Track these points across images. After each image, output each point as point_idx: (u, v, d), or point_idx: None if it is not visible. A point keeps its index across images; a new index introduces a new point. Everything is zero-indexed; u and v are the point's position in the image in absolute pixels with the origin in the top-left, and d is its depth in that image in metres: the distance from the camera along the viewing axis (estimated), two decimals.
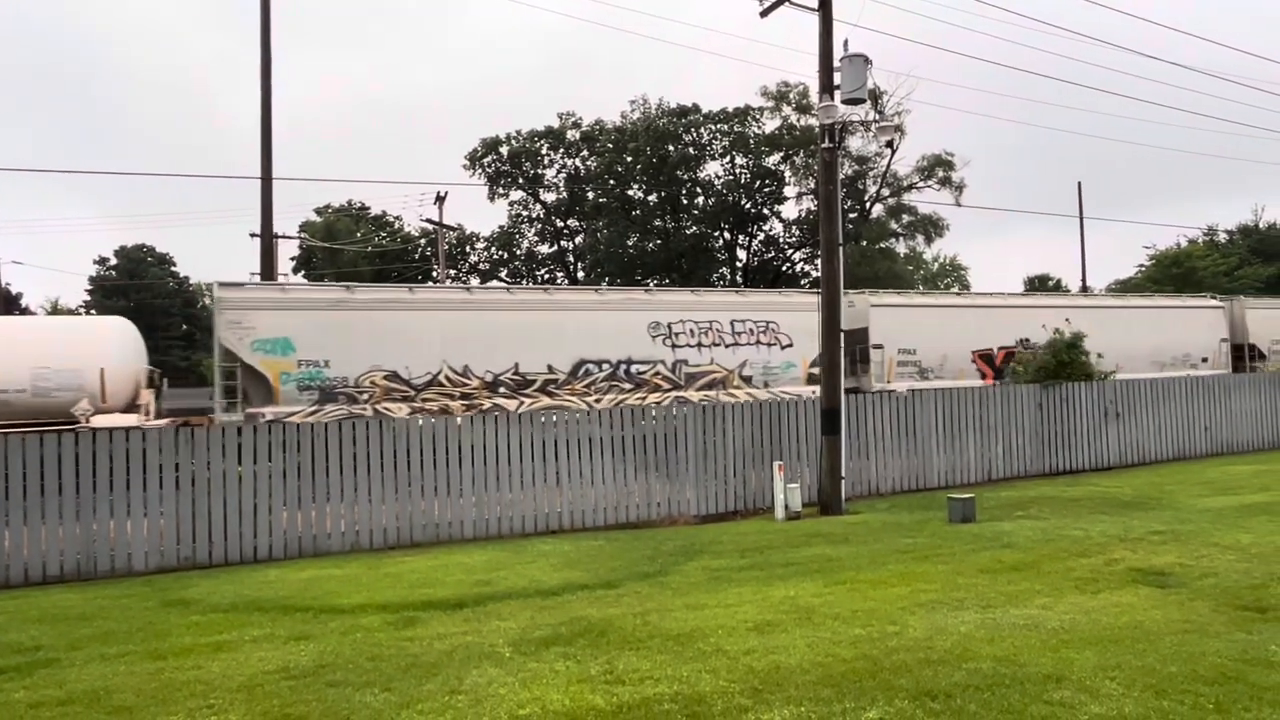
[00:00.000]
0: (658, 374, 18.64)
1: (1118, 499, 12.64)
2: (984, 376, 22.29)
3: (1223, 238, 54.76)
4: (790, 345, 20.12)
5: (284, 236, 31.23)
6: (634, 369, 18.43)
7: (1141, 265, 50.76)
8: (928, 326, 21.97)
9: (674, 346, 18.89)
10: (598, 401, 17.66)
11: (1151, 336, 24.59)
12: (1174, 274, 43.82)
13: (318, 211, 48.11)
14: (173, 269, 59.04)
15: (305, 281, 40.76)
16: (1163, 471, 16.15)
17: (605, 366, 18.22)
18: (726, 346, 19.41)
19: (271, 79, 21.17)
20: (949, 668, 5.16)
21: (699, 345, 19.14)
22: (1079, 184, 44.61)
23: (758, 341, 19.76)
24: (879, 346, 21.14)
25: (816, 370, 18.62)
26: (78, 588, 9.57)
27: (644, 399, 18.05)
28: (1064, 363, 18.06)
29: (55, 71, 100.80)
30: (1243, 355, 27.11)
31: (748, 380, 19.50)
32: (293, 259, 46.56)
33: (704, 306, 19.66)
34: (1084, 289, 43.08)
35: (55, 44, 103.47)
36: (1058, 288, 53.12)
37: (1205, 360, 25.96)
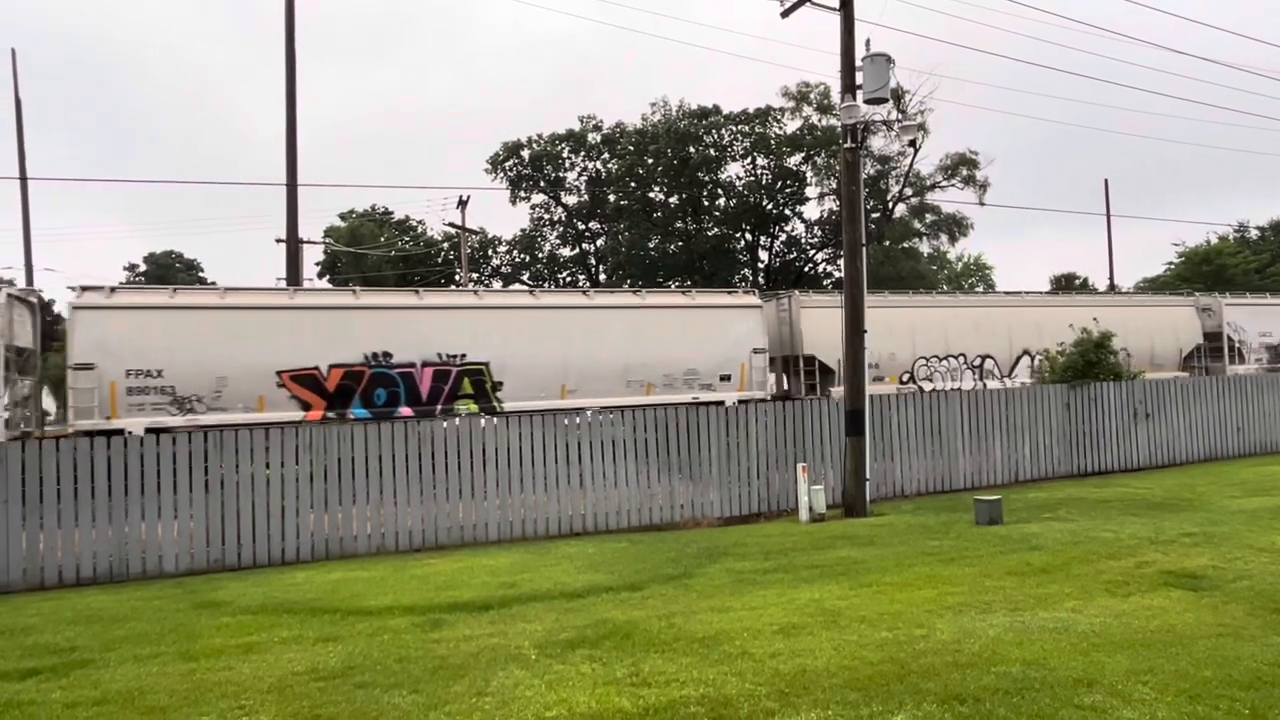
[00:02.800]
0: None
1: (1148, 500, 12.46)
2: (308, 408, 15.92)
3: (1254, 234, 53.90)
4: None
5: (309, 242, 31.52)
6: None
7: (1170, 263, 50.12)
8: (191, 337, 15.49)
9: None
10: None
11: (635, 348, 18.23)
12: (1204, 271, 43.21)
13: (342, 216, 48.54)
14: (200, 274, 59.86)
15: None
16: (1194, 472, 15.91)
17: None
18: None
19: (296, 89, 21.41)
20: (977, 671, 5.12)
21: None
22: (1105, 181, 44.14)
23: None
24: (87, 366, 14.79)
25: None
26: (110, 589, 9.73)
27: None
28: (1092, 362, 17.86)
29: (81, 80, 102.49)
30: (797, 372, 20.90)
31: None
32: (318, 264, 47.06)
33: None
34: (1111, 287, 42.56)
35: (81, 53, 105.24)
36: (1084, 287, 52.44)
37: (726, 379, 19.02)
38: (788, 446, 13.87)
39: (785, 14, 14.11)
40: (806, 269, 41.92)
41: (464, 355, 17.24)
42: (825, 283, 39.91)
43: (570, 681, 5.28)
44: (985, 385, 21.80)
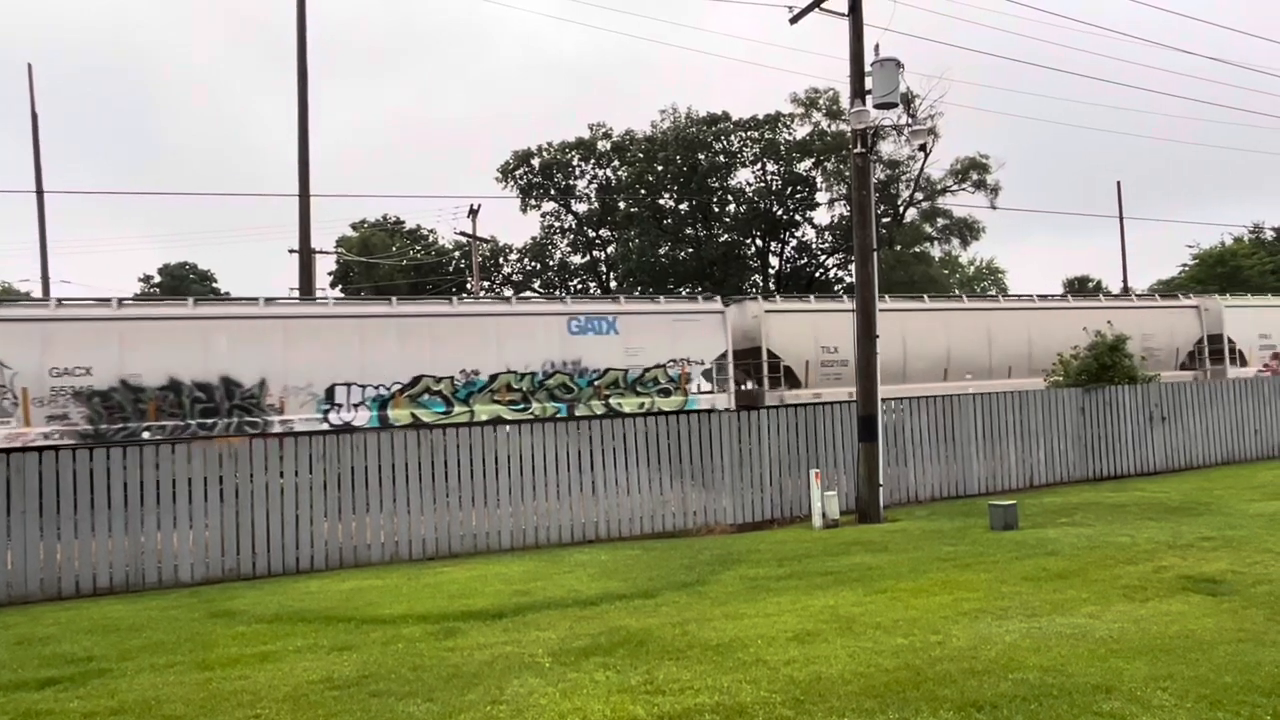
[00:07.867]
0: None
1: (1165, 504, 12.35)
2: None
3: (1270, 235, 53.48)
4: None
5: (321, 252, 31.80)
6: None
7: (1184, 265, 49.86)
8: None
9: None
10: None
11: None
12: (1218, 273, 42.96)
13: (354, 227, 48.80)
14: (214, 285, 60.22)
15: None
16: (1211, 476, 15.76)
17: None
18: None
19: (308, 100, 21.55)
20: (994, 678, 5.08)
21: None
22: (1118, 184, 43.93)
23: None
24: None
25: None
26: (127, 599, 9.77)
27: None
28: (1106, 365, 17.73)
29: (93, 93, 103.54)
30: None
31: None
32: (330, 273, 47.34)
33: None
34: (1125, 290, 42.31)
35: (94, 67, 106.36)
36: (1098, 289, 52.16)
37: None
38: (800, 452, 13.82)
39: (794, 20, 14.13)
40: (818, 274, 41.89)
41: None
42: (836, 288, 39.83)
43: (585, 689, 5.27)
44: None
